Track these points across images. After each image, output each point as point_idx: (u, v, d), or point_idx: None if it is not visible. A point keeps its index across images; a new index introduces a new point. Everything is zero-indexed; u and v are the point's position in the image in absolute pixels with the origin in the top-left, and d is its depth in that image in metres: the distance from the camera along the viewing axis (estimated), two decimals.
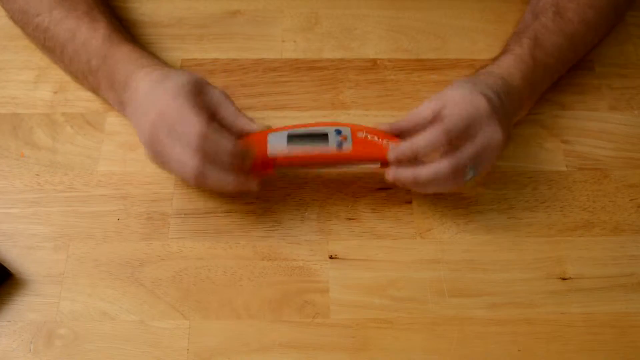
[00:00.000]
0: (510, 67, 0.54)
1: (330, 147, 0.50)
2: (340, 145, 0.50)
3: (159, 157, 0.49)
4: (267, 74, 0.61)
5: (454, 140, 0.48)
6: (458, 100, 0.49)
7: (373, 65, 0.62)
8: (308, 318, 0.49)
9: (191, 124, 0.46)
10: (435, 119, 0.49)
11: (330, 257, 0.52)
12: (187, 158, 0.46)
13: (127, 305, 0.50)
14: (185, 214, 0.53)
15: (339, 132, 0.50)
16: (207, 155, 0.46)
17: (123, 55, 0.53)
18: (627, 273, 0.52)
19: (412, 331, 0.49)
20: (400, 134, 0.51)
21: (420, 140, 0.48)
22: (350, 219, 0.54)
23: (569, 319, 0.50)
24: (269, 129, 0.51)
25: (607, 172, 0.56)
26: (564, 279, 0.51)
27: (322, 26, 0.64)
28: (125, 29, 0.58)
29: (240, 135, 0.50)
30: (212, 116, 0.50)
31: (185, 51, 0.62)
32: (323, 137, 0.50)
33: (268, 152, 0.50)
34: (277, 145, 0.50)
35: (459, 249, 0.53)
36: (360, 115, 0.59)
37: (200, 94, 0.49)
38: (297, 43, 0.63)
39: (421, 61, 0.62)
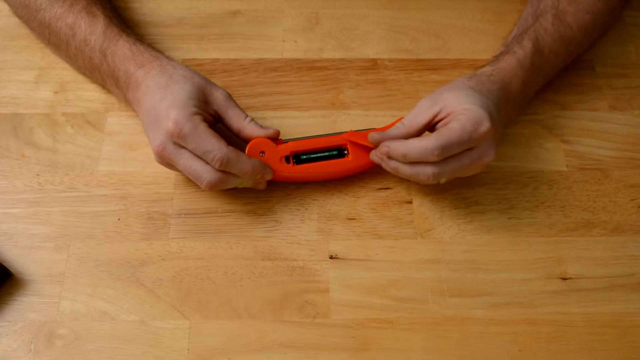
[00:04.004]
0: (511, 71, 0.53)
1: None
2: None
3: (171, 168, 0.51)
4: (267, 74, 0.61)
5: (447, 155, 0.48)
6: (460, 113, 0.48)
7: (373, 65, 0.62)
8: (308, 318, 0.49)
9: (210, 149, 0.48)
10: (431, 122, 0.50)
11: (331, 257, 0.52)
12: (208, 173, 0.49)
13: (127, 305, 0.50)
14: (185, 214, 0.53)
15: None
16: (227, 174, 0.49)
17: (120, 52, 0.53)
18: (628, 273, 0.52)
19: (412, 331, 0.49)
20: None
21: (413, 149, 0.48)
22: (350, 219, 0.54)
23: (570, 319, 0.50)
24: (277, 133, 0.52)
25: (608, 172, 0.56)
26: (564, 279, 0.51)
27: (322, 26, 0.64)
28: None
29: (249, 139, 0.52)
30: (219, 118, 0.52)
31: (186, 51, 0.62)
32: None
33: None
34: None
35: (459, 249, 0.53)
36: (360, 115, 0.59)
37: (204, 102, 0.50)
38: (298, 43, 0.63)
39: (421, 61, 0.62)
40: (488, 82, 0.52)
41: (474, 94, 0.50)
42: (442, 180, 0.50)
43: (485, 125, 0.48)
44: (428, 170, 0.49)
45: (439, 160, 0.48)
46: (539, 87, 0.58)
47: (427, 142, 0.47)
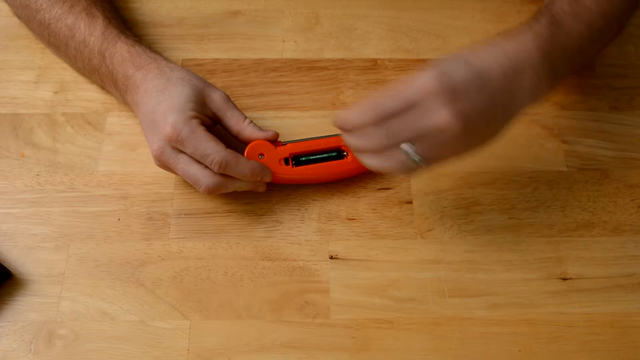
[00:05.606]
0: (526, 40, 0.47)
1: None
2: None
3: (170, 171, 0.51)
4: (267, 74, 0.61)
5: (388, 118, 0.43)
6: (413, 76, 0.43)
7: (374, 65, 0.62)
8: (308, 318, 0.49)
9: (208, 152, 0.48)
10: None
11: (331, 257, 0.52)
12: (206, 178, 0.48)
13: (127, 306, 0.50)
14: (185, 214, 0.53)
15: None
16: (226, 178, 0.49)
17: (119, 54, 0.53)
18: (628, 273, 0.52)
19: (412, 331, 0.49)
20: None
21: (348, 114, 0.45)
22: (350, 219, 0.54)
23: (570, 319, 0.50)
24: (276, 135, 0.52)
25: (608, 173, 0.56)
26: (564, 279, 0.51)
27: (322, 26, 0.64)
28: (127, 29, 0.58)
29: (248, 141, 0.52)
30: (217, 120, 0.52)
31: (186, 51, 0.62)
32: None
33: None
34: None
35: (459, 249, 0.53)
36: None
37: (202, 104, 0.50)
38: (298, 43, 0.63)
39: (422, 61, 0.62)
40: (486, 52, 0.46)
41: (444, 62, 0.44)
42: (413, 158, 0.43)
43: (424, 78, 0.42)
44: (373, 133, 0.44)
45: (373, 122, 0.43)
46: (569, 70, 0.51)
47: (362, 105, 0.44)
